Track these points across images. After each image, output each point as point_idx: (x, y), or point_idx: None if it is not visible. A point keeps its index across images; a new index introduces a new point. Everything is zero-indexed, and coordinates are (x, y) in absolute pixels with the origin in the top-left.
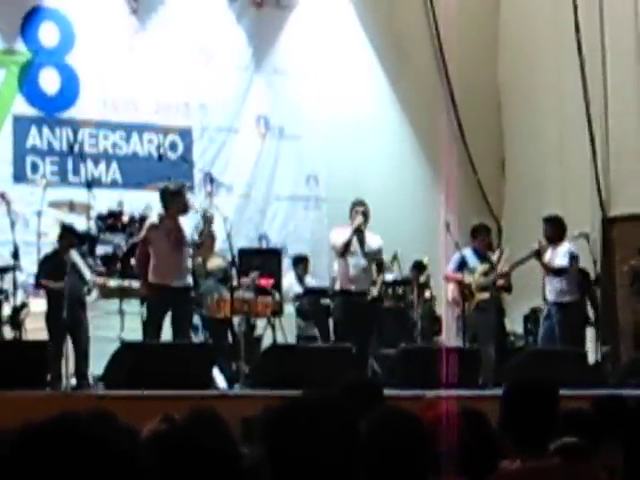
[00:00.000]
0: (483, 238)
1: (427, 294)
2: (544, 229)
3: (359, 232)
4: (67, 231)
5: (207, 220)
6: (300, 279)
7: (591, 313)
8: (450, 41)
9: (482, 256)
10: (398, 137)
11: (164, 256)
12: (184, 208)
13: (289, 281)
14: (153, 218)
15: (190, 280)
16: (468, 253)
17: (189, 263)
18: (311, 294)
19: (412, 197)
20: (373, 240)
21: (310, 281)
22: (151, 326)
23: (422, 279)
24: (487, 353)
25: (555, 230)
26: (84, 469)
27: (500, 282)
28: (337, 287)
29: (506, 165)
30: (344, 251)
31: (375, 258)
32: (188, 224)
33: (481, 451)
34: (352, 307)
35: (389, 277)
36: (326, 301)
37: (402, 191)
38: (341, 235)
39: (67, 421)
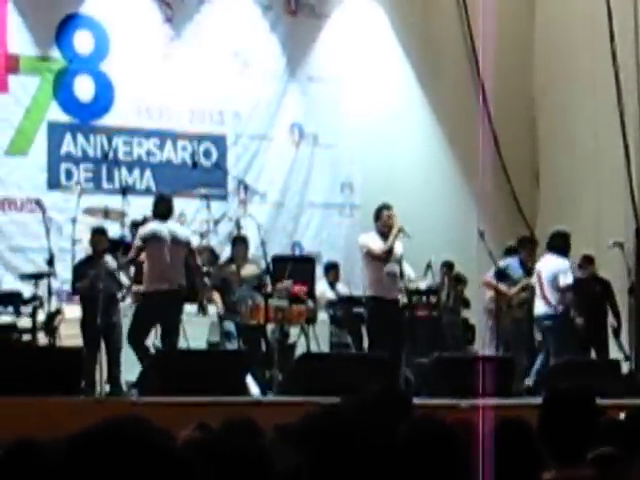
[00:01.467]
0: (530, 250)
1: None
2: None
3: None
4: (98, 233)
5: (239, 229)
6: (331, 286)
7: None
8: (485, 51)
9: (527, 269)
10: (432, 145)
11: (162, 260)
12: (166, 214)
13: (321, 288)
14: (152, 225)
15: (182, 281)
16: (514, 264)
17: (181, 266)
18: (345, 302)
19: (446, 205)
20: (398, 246)
21: (341, 288)
22: (140, 329)
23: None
24: (520, 363)
25: (565, 243)
26: (134, 471)
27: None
28: (369, 293)
29: (540, 176)
30: (388, 257)
31: (400, 264)
32: (221, 232)
33: (523, 461)
34: (386, 314)
35: (422, 285)
36: (359, 309)
37: (436, 199)
38: (375, 241)
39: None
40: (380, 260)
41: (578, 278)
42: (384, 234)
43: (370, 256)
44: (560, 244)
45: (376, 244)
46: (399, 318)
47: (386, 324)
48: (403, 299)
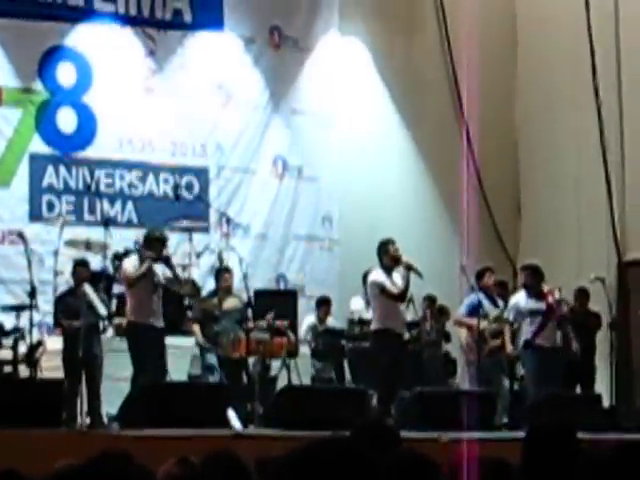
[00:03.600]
0: (489, 279)
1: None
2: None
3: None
4: (80, 265)
5: (221, 262)
6: (321, 321)
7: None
8: (468, 85)
9: (492, 300)
10: (414, 179)
11: (144, 297)
12: (160, 257)
13: (309, 322)
14: (131, 259)
15: (161, 322)
16: (478, 297)
17: (160, 305)
18: (328, 335)
19: (428, 239)
20: (397, 278)
21: (331, 322)
22: (140, 364)
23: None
24: (501, 397)
25: (534, 278)
26: None
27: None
28: (377, 327)
29: (522, 208)
30: (404, 296)
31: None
32: (204, 264)
33: None
34: (394, 348)
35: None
36: (342, 342)
37: (418, 233)
38: (385, 279)
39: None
40: (396, 300)
41: (572, 310)
42: (389, 268)
43: (385, 294)
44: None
45: (388, 283)
46: (404, 351)
47: (394, 357)
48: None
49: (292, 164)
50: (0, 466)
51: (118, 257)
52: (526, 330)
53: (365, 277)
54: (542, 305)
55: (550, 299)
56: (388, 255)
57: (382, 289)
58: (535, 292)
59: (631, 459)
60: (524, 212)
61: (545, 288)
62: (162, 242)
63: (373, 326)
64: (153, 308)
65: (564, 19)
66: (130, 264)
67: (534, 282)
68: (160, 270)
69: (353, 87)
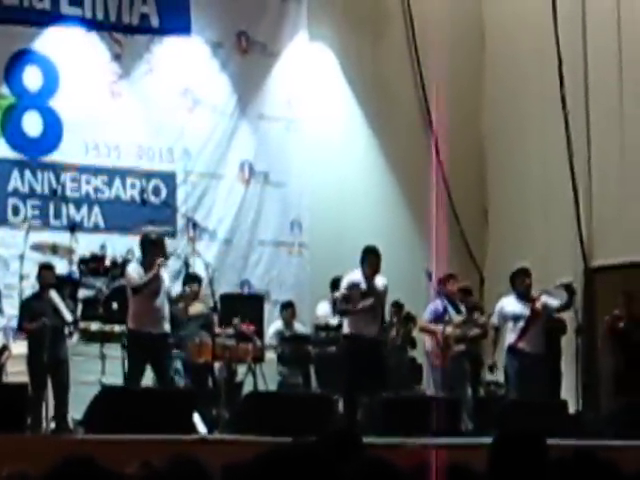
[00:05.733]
0: (452, 286)
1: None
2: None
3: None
4: (45, 269)
5: (187, 267)
6: (287, 325)
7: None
8: (435, 90)
9: (453, 305)
10: (381, 185)
11: (144, 303)
12: (162, 263)
13: (275, 327)
14: (133, 266)
15: (167, 326)
16: (445, 303)
17: (166, 310)
18: (294, 340)
19: (395, 246)
20: (379, 280)
21: (299, 327)
22: (133, 372)
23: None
24: (465, 403)
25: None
26: None
27: (475, 332)
28: (345, 331)
29: (489, 215)
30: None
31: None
32: (169, 269)
33: None
34: (361, 352)
35: None
36: (309, 348)
37: (385, 240)
38: (357, 281)
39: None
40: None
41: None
42: (367, 275)
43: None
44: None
45: (354, 284)
46: (376, 355)
47: (362, 361)
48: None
49: (259, 169)
50: None
51: (84, 262)
52: (509, 335)
53: (333, 282)
54: (527, 310)
55: (537, 304)
56: (367, 261)
57: (342, 296)
58: (525, 295)
59: (590, 465)
60: (491, 219)
61: (533, 293)
62: (161, 244)
63: (343, 330)
64: (154, 315)
65: (531, 27)
66: (134, 271)
67: (526, 284)
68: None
69: (321, 93)
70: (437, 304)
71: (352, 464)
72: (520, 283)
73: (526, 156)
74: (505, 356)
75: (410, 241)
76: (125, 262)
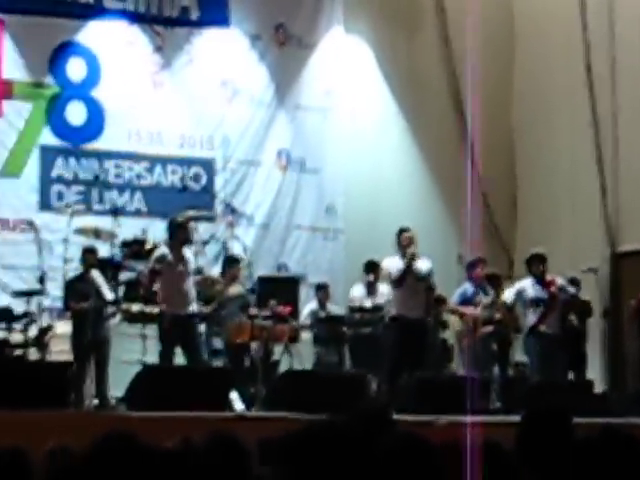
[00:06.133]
0: (479, 270)
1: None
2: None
3: (412, 259)
4: (88, 252)
5: (225, 251)
6: (322, 305)
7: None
8: (466, 82)
9: (482, 288)
10: (414, 173)
11: (172, 285)
12: (186, 240)
13: (310, 307)
14: (163, 249)
15: (195, 307)
16: (471, 286)
17: (193, 291)
18: (329, 321)
19: (427, 230)
20: (423, 264)
21: (332, 307)
22: (165, 352)
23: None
24: (492, 382)
25: (543, 265)
26: None
27: (498, 316)
28: (392, 313)
29: (518, 201)
30: (402, 280)
31: (426, 283)
32: (209, 252)
33: (497, 475)
34: (406, 334)
35: None
36: (343, 328)
37: (418, 225)
38: (395, 264)
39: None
40: (398, 283)
41: (554, 297)
42: (405, 256)
43: (390, 279)
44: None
45: (394, 266)
46: (421, 336)
47: (408, 342)
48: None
49: (295, 157)
50: (7, 445)
51: (126, 245)
52: (530, 318)
53: (367, 265)
54: (545, 294)
55: (553, 288)
56: (401, 242)
57: (388, 275)
58: (541, 280)
59: (618, 443)
60: (520, 205)
61: (548, 277)
62: (186, 226)
63: (390, 312)
64: (181, 297)
65: (560, 22)
66: (160, 253)
67: (542, 268)
68: (191, 256)
69: (355, 83)
70: (466, 287)
71: (383, 440)
72: (536, 268)
73: (554, 146)
74: (526, 338)
75: (442, 227)
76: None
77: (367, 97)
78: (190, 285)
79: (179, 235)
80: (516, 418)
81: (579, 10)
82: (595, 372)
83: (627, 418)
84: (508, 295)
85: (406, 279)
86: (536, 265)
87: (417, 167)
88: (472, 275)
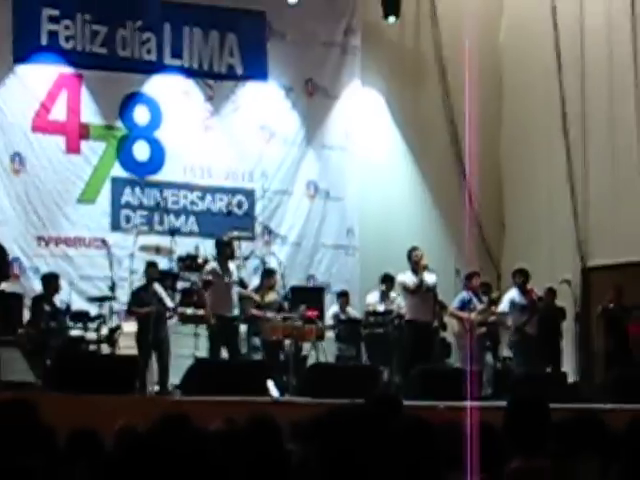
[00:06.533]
0: (476, 281)
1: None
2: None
3: (425, 269)
4: (151, 266)
5: (263, 265)
6: (342, 309)
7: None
8: (462, 126)
9: (477, 296)
10: (419, 200)
11: (220, 293)
12: (231, 256)
13: (333, 311)
14: (212, 264)
15: (236, 311)
16: (468, 295)
17: (236, 297)
18: (349, 322)
19: (429, 248)
20: (430, 278)
21: (351, 311)
22: (213, 348)
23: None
24: (485, 373)
25: (526, 278)
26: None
27: (492, 318)
28: (407, 317)
29: (505, 224)
30: (419, 289)
31: (432, 293)
32: (249, 266)
33: (488, 452)
34: (420, 335)
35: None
36: (360, 329)
37: (422, 244)
38: (408, 277)
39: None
40: (413, 293)
41: (534, 304)
42: (415, 270)
43: (406, 290)
44: (513, 279)
45: (409, 280)
46: (431, 336)
47: (419, 342)
48: (436, 322)
49: (321, 187)
50: (81, 426)
51: (182, 260)
52: (517, 321)
53: (383, 277)
54: (526, 301)
55: (533, 296)
56: (412, 260)
57: (404, 287)
58: (524, 290)
59: (588, 425)
60: (507, 227)
61: (528, 287)
62: (231, 245)
63: (405, 316)
64: (227, 302)
65: (539, 75)
66: (211, 267)
67: (525, 281)
68: (234, 269)
69: (370, 127)
70: (464, 295)
71: (394, 422)
72: (518, 279)
73: (534, 178)
74: (512, 337)
75: (442, 245)
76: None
77: (380, 138)
78: (234, 293)
79: (225, 251)
80: (504, 403)
81: (556, 68)
82: (568, 366)
83: (595, 404)
84: (504, 306)
85: (419, 290)
86: (518, 277)
87: (421, 196)
88: (469, 285)
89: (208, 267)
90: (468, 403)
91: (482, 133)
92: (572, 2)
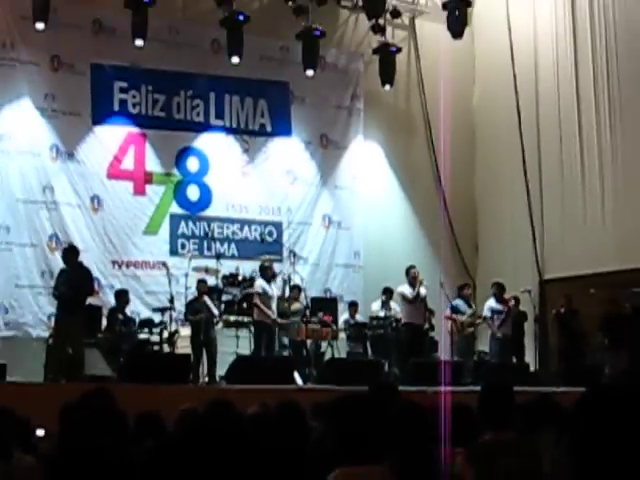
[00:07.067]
0: (467, 291)
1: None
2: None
3: (421, 284)
4: (201, 283)
5: (289, 281)
6: (352, 316)
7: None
8: (443, 167)
9: (468, 304)
10: (410, 228)
11: (264, 304)
12: (273, 276)
13: (344, 317)
14: (260, 282)
15: (275, 317)
16: (460, 302)
17: (275, 308)
18: (357, 326)
19: (419, 266)
20: (422, 291)
21: (358, 317)
22: (257, 346)
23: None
24: (467, 364)
25: (501, 290)
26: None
27: (479, 321)
28: (403, 320)
29: (479, 245)
30: (416, 299)
31: (424, 302)
32: (278, 282)
33: (465, 428)
34: (414, 335)
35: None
36: (365, 331)
37: (412, 262)
38: (407, 289)
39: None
40: (410, 302)
41: (509, 310)
42: (412, 284)
43: (405, 299)
44: (492, 290)
45: (408, 291)
46: (423, 336)
47: (414, 340)
48: (427, 325)
49: (334, 220)
50: (147, 410)
51: (225, 278)
52: (495, 323)
53: (384, 290)
54: (503, 307)
55: (510, 304)
56: (410, 276)
57: (403, 297)
58: (500, 299)
59: (545, 405)
60: (480, 249)
61: (506, 296)
62: (271, 268)
63: (402, 320)
64: (268, 311)
65: (503, 128)
66: (259, 285)
67: (501, 292)
68: (274, 288)
69: (372, 172)
70: (457, 302)
71: (392, 404)
72: (495, 290)
73: (501, 209)
74: (490, 337)
75: (429, 263)
76: (252, 278)
77: (379, 180)
78: (273, 305)
79: (267, 274)
80: (478, 388)
81: (517, 123)
82: (530, 358)
83: (550, 388)
84: (486, 311)
85: (416, 300)
86: (495, 288)
87: (412, 225)
88: (460, 294)
89: (257, 286)
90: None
91: (460, 175)
92: (529, 72)
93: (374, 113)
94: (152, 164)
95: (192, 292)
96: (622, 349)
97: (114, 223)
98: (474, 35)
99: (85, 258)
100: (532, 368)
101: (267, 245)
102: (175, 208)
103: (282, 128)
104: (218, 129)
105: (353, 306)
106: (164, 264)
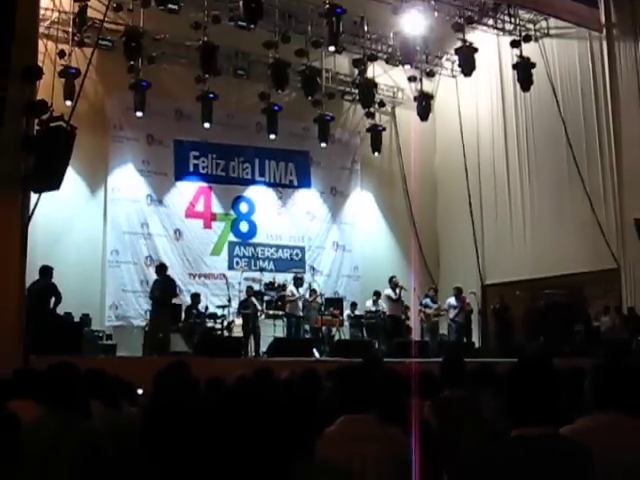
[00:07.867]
0: (432, 293)
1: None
2: (457, 290)
3: (402, 289)
4: (249, 288)
5: (310, 286)
6: (352, 310)
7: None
8: (415, 211)
9: (433, 301)
10: (393, 250)
11: (295, 304)
12: (300, 284)
13: (347, 312)
14: (291, 288)
15: (301, 312)
16: (428, 300)
17: (300, 305)
18: (357, 317)
19: (399, 275)
20: (401, 293)
21: (357, 311)
22: (290, 332)
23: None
24: (432, 343)
25: (460, 292)
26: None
27: (442, 313)
28: (388, 313)
29: (440, 262)
30: (398, 299)
31: (402, 301)
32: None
33: (430, 387)
34: (395, 323)
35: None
36: (362, 320)
37: (395, 273)
38: (390, 293)
39: (262, 373)
40: (393, 301)
41: (464, 305)
42: (394, 288)
43: (389, 299)
44: (453, 292)
45: (391, 294)
46: (401, 325)
47: (395, 328)
48: (403, 317)
49: (340, 245)
50: (213, 376)
51: (266, 285)
52: (452, 314)
53: (375, 292)
54: (459, 304)
55: (466, 301)
56: (392, 283)
57: (388, 297)
58: (459, 297)
59: (486, 371)
60: (441, 263)
61: (463, 296)
62: (301, 279)
63: (387, 313)
64: (297, 307)
65: (457, 182)
66: (290, 290)
67: (460, 293)
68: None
69: (366, 213)
70: (425, 300)
71: (378, 372)
72: (455, 291)
73: (456, 233)
74: (448, 323)
75: (404, 274)
76: (284, 285)
77: (371, 218)
78: (300, 304)
79: (297, 282)
80: (440, 360)
81: (465, 176)
82: (475, 338)
83: (490, 359)
84: (446, 306)
85: (397, 300)
86: (455, 290)
87: (393, 248)
88: (428, 295)
89: (288, 290)
90: (416, 360)
91: (426, 214)
92: (473, 143)
93: (367, 172)
94: (216, 207)
95: (243, 295)
96: (539, 334)
97: (190, 247)
98: (435, 119)
99: (170, 272)
100: (477, 345)
101: (294, 262)
102: (232, 237)
103: (304, 182)
104: (261, 183)
105: (353, 305)
106: (224, 275)
